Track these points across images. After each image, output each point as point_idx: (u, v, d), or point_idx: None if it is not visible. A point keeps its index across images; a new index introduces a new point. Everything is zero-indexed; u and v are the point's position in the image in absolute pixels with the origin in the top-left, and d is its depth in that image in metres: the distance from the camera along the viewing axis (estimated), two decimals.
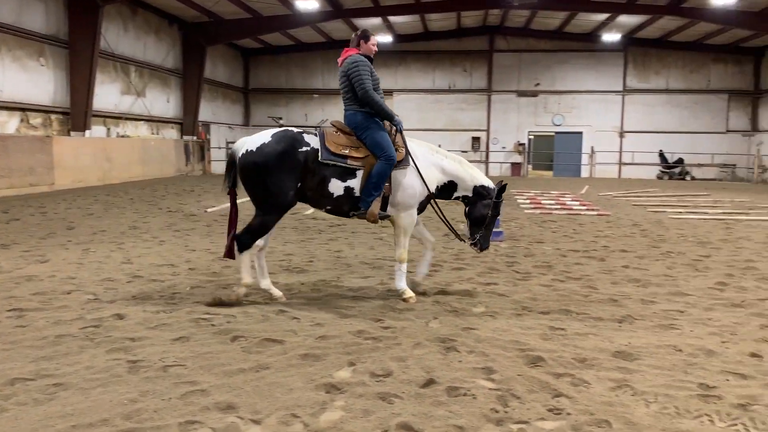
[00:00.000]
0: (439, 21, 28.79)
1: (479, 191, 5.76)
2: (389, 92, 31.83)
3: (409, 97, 31.90)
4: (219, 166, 28.52)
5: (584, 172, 31.25)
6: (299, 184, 5.27)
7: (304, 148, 5.26)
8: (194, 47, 25.33)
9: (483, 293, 5.87)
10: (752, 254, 8.33)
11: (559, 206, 14.69)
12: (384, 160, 5.34)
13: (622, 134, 31.18)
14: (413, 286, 5.81)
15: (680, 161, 30.34)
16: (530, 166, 33.25)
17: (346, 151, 5.37)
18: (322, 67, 32.20)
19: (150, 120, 23.13)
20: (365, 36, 5.64)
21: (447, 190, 5.77)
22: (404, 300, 5.49)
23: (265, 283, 5.52)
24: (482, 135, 31.89)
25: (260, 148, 5.19)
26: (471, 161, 32.32)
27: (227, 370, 3.75)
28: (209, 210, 12.62)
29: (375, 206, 5.38)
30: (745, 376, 3.76)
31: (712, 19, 24.10)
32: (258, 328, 4.61)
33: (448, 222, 5.86)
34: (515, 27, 30.52)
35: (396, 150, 5.43)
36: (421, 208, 5.72)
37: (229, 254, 5.40)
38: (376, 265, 7.22)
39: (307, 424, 3.08)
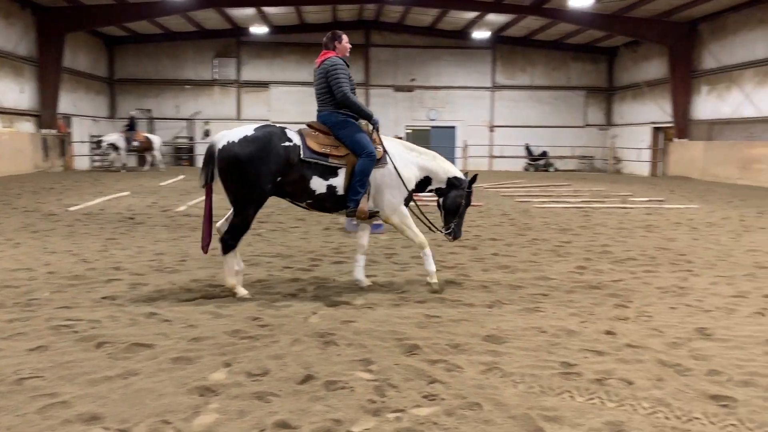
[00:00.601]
0: (314, 14, 28.64)
1: (452, 182, 6.00)
2: (265, 84, 31.30)
3: (287, 89, 31.49)
4: (82, 162, 26.71)
5: (458, 165, 32.41)
6: (279, 179, 5.29)
7: (286, 143, 5.31)
8: (51, 34, 23.43)
9: (363, 285, 5.92)
10: (607, 239, 9.03)
11: (435, 198, 15.11)
12: (365, 157, 5.47)
13: (491, 128, 32.66)
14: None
15: (544, 154, 32.29)
16: None
17: (327, 150, 5.46)
18: (193, 58, 31.00)
19: (2, 112, 21.18)
20: (337, 37, 5.77)
21: (423, 184, 5.99)
22: (429, 284, 5.72)
23: (230, 280, 5.42)
24: None
25: (242, 140, 5.17)
26: None
27: (91, 379, 3.52)
28: (71, 209, 11.77)
29: (363, 203, 5.51)
30: (601, 353, 4.07)
31: (571, 20, 25.79)
32: (125, 333, 4.36)
33: (423, 214, 6.09)
34: (390, 22, 31.02)
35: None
36: (406, 203, 5.86)
37: (206, 249, 5.45)
38: (254, 261, 7.07)
39: (180, 430, 2.96)
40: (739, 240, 9.21)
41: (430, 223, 6.15)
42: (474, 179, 6.13)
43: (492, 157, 32.66)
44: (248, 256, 7.38)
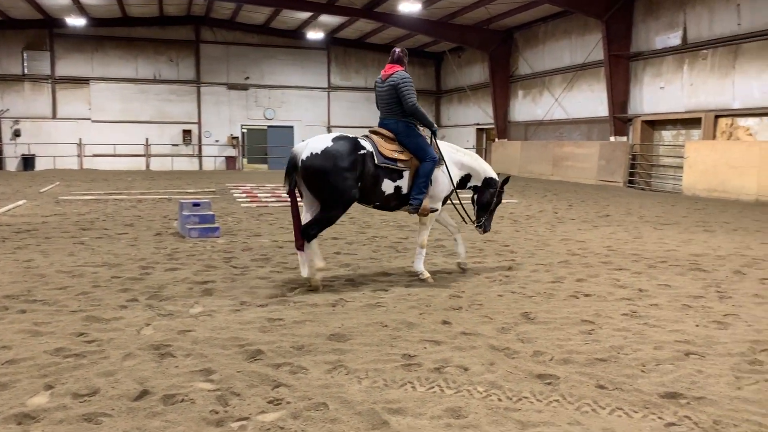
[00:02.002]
0: (139, 7, 26.99)
1: (487, 181, 6.71)
2: (85, 81, 28.97)
3: (109, 86, 29.41)
4: None
5: None
6: (359, 183, 5.82)
7: (362, 151, 5.85)
8: None
9: (200, 292, 5.68)
10: (440, 234, 9.49)
11: (275, 199, 14.95)
12: (429, 161, 6.08)
13: (329, 129, 32.95)
14: (461, 268, 6.72)
15: None
16: (245, 160, 33.27)
17: (396, 155, 6.03)
18: None
19: None
20: (406, 54, 6.40)
21: (464, 181, 6.65)
22: (422, 280, 6.21)
23: (304, 271, 5.90)
24: (194, 128, 30.90)
25: (324, 152, 5.68)
26: (182, 156, 30.80)
27: None
28: None
29: (426, 201, 6.15)
30: (439, 342, 4.26)
31: (400, 25, 26.77)
32: None
33: (463, 207, 6.77)
34: (222, 19, 30.13)
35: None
36: (445, 200, 6.53)
37: (300, 246, 5.87)
38: (77, 272, 6.50)
39: None
40: (554, 230, 10.13)
41: (467, 214, 6.81)
42: (507, 180, 6.84)
43: None
44: (70, 266, 6.77)
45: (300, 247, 5.89)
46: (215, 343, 4.22)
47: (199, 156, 30.94)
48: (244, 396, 3.34)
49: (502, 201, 6.98)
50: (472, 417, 3.10)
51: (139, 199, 14.79)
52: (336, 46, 32.48)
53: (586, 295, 5.70)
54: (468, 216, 6.82)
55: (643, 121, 20.78)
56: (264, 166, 33.27)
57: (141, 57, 29.90)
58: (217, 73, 31.07)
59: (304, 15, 27.93)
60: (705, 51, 18.45)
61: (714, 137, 18.16)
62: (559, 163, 24.12)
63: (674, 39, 19.48)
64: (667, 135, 20.62)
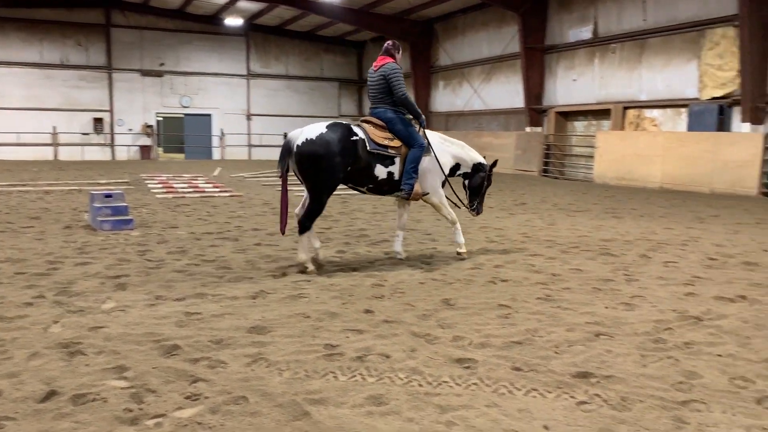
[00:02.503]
0: None
1: (477, 167, 7.08)
2: None
3: (11, 71, 27.67)
4: None
5: (215, 155, 31.55)
6: (349, 168, 6.11)
7: (355, 138, 6.15)
8: None
9: (112, 287, 5.46)
10: (364, 224, 9.52)
11: (192, 189, 14.54)
12: (417, 148, 6.43)
13: (249, 117, 32.33)
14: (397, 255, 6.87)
15: None
16: (161, 149, 32.15)
17: (387, 142, 6.34)
18: None
19: None
20: (397, 47, 6.71)
21: (454, 170, 6.98)
22: (459, 253, 6.88)
23: (302, 256, 6.17)
24: (105, 116, 29.56)
25: (319, 137, 5.98)
26: (93, 145, 29.45)
27: None
28: None
29: (417, 186, 6.50)
30: (361, 331, 4.27)
31: (321, 12, 26.54)
32: None
33: (455, 193, 7.14)
34: (134, 2, 28.93)
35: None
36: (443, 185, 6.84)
37: (284, 231, 6.33)
38: None
39: None
40: (474, 219, 10.35)
41: (459, 200, 7.22)
42: (494, 164, 7.26)
43: (251, 146, 32.36)
44: None
45: (283, 230, 6.34)
46: (129, 339, 4.06)
47: (112, 145, 29.66)
48: (160, 392, 3.24)
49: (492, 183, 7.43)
50: (393, 404, 3.13)
51: (46, 190, 14.01)
52: (255, 32, 31.83)
53: (503, 281, 5.86)
54: (460, 201, 7.25)
55: (557, 112, 21.55)
56: (181, 156, 32.28)
57: (46, 41, 28.27)
58: (129, 59, 29.81)
59: (222, 0, 27.20)
60: (614, 45, 19.31)
61: (623, 128, 19.06)
62: (479, 152, 24.65)
63: (586, 33, 20.26)
64: (579, 125, 21.47)
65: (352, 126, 6.28)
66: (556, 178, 20.68)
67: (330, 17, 27.28)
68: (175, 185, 15.55)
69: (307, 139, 6.00)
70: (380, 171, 6.35)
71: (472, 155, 7.12)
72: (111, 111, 29.62)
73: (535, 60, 21.89)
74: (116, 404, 3.10)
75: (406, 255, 6.94)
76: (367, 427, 2.89)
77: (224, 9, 28.58)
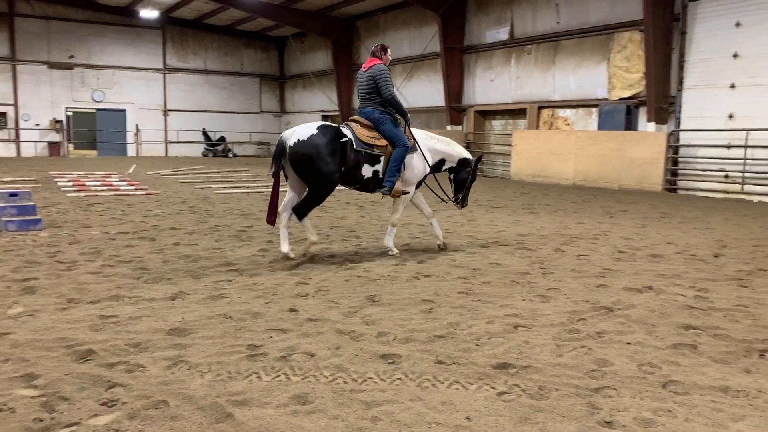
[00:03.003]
0: None
1: (462, 162, 7.34)
2: None
3: None
4: None
5: (131, 151, 30.41)
6: (342, 167, 6.43)
7: (343, 138, 6.43)
8: None
9: (19, 291, 5.16)
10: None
11: (105, 187, 13.95)
12: (401, 147, 6.65)
13: (165, 112, 31.33)
14: (440, 248, 7.37)
15: (222, 139, 32.24)
16: (71, 146, 30.65)
17: (372, 141, 6.60)
18: None
19: None
20: (384, 49, 6.93)
21: (438, 165, 7.26)
22: (392, 255, 6.93)
23: (284, 247, 6.61)
24: (9, 110, 27.88)
25: (310, 138, 6.27)
26: None
27: None
28: None
29: (398, 184, 6.73)
30: (285, 330, 4.24)
31: (240, 6, 26.04)
32: None
33: (441, 188, 7.50)
34: None
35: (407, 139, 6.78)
36: (420, 183, 7.18)
37: (271, 222, 6.64)
38: None
39: None
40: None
41: (444, 193, 7.53)
42: (479, 159, 7.58)
43: (168, 142, 31.37)
44: None
45: (272, 222, 6.63)
46: (39, 345, 3.86)
47: (17, 141, 28.01)
48: (74, 400, 3.09)
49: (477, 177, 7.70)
50: (318, 402, 3.13)
51: None
52: (172, 26, 30.86)
53: (426, 276, 5.96)
54: (446, 194, 7.55)
55: (476, 111, 22.07)
56: (93, 152, 30.90)
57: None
58: (36, 51, 28.24)
59: None
60: (529, 46, 19.96)
61: (537, 127, 19.75)
62: None
63: (503, 34, 20.84)
64: (497, 124, 22.08)
65: (341, 127, 6.56)
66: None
67: (250, 12, 26.82)
68: (87, 183, 14.86)
69: (298, 140, 6.31)
70: (367, 170, 6.65)
71: (457, 150, 7.38)
72: (15, 105, 27.96)
73: (455, 60, 22.33)
74: (25, 414, 2.94)
75: (443, 237, 7.55)
76: (292, 426, 2.88)
77: (139, 1, 27.53)
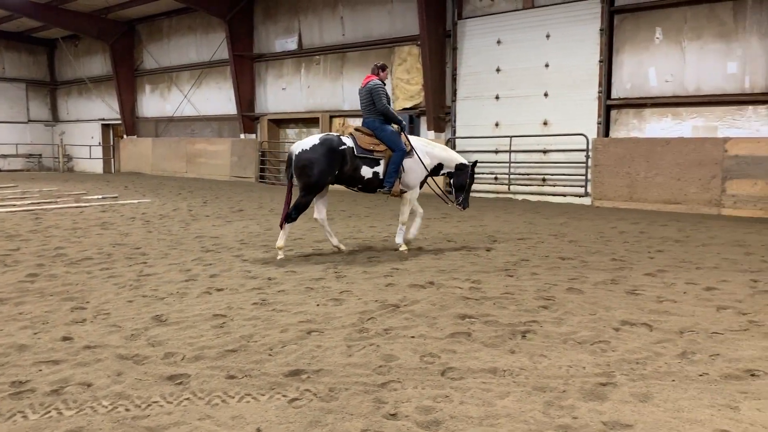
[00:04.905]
0: None
1: (459, 166, 8.14)
2: None
3: None
4: None
5: None
6: (337, 171, 7.35)
7: (343, 146, 7.36)
8: None
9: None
10: (62, 241, 8.58)
11: None
12: (398, 152, 7.54)
13: None
14: (407, 242, 8.09)
15: None
16: None
17: (372, 147, 7.51)
18: None
19: None
20: (383, 68, 7.87)
21: (436, 170, 8.08)
22: (401, 251, 7.81)
23: (334, 241, 7.89)
24: None
25: (312, 147, 7.27)
26: None
27: None
28: None
29: (396, 185, 7.60)
30: (58, 362, 3.85)
31: (1, 6, 23.20)
32: None
33: (441, 190, 8.47)
34: None
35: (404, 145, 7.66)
36: (422, 184, 8.00)
37: (282, 225, 7.55)
38: None
39: None
40: (189, 228, 10.07)
41: (445, 196, 8.44)
42: (475, 163, 8.29)
43: None
44: None
45: (282, 225, 7.53)
46: None
47: None
48: None
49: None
50: None
51: None
52: None
53: (219, 290, 5.80)
54: (447, 197, 8.38)
55: (269, 120, 22.03)
56: None
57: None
58: None
59: None
60: (318, 57, 20.41)
61: None
62: (193, 160, 24.01)
63: (291, 44, 21.07)
64: (291, 133, 22.24)
65: (341, 137, 7.48)
66: (272, 183, 21.12)
67: (10, 10, 23.99)
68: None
69: (302, 149, 7.29)
70: (366, 171, 7.53)
71: (453, 156, 8.18)
72: None
73: (245, 67, 22.08)
74: None
75: (411, 238, 8.14)
76: None
77: None
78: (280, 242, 7.45)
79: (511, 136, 15.58)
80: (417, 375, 3.65)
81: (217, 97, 23.85)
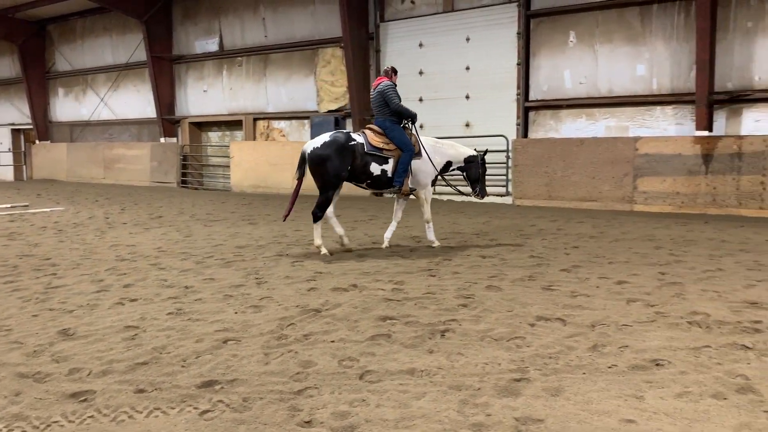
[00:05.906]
0: None
1: (468, 159, 8.38)
2: None
3: None
4: None
5: None
6: (349, 167, 7.75)
7: (353, 143, 7.77)
8: None
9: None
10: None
11: None
12: (407, 151, 7.91)
13: None
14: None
15: None
16: None
17: (382, 145, 7.90)
18: None
19: None
20: (395, 71, 8.33)
21: (446, 167, 8.35)
22: (433, 247, 8.22)
23: (340, 231, 8.11)
24: None
25: (323, 144, 7.68)
26: None
27: None
28: None
29: (406, 184, 7.99)
30: None
31: None
32: None
33: (453, 186, 8.80)
34: None
35: (414, 145, 8.02)
36: (434, 182, 8.41)
37: (285, 218, 8.35)
38: None
39: None
40: (104, 237, 9.66)
41: (457, 189, 8.86)
42: (485, 153, 8.60)
43: None
44: None
45: (284, 218, 8.27)
46: None
47: None
48: None
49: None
50: None
51: None
52: None
53: (133, 300, 5.58)
54: (457, 189, 8.86)
55: (190, 123, 21.46)
56: None
57: None
58: None
59: None
60: (240, 58, 20.05)
61: (254, 138, 19.94)
62: (111, 165, 23.10)
63: (212, 45, 20.61)
64: (214, 136, 21.75)
65: (351, 133, 7.89)
66: (195, 188, 20.57)
67: None
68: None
69: (314, 147, 7.70)
70: (375, 168, 7.85)
71: (461, 151, 8.41)
72: None
73: (164, 69, 21.43)
74: None
75: (387, 245, 8.31)
76: None
77: None
78: (317, 240, 7.86)
79: (436, 137, 15.74)
80: (334, 380, 3.61)
81: (135, 100, 23.04)
